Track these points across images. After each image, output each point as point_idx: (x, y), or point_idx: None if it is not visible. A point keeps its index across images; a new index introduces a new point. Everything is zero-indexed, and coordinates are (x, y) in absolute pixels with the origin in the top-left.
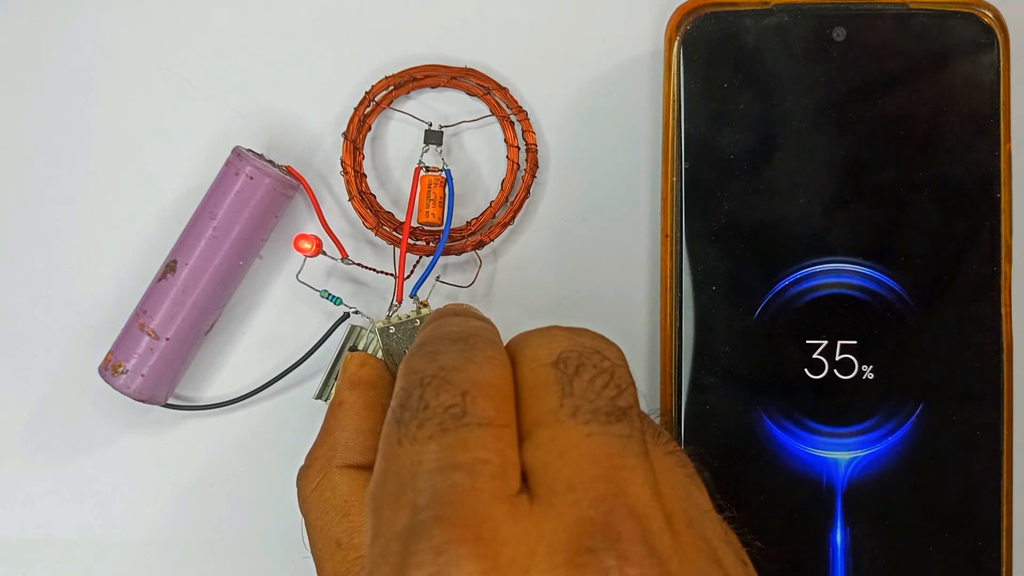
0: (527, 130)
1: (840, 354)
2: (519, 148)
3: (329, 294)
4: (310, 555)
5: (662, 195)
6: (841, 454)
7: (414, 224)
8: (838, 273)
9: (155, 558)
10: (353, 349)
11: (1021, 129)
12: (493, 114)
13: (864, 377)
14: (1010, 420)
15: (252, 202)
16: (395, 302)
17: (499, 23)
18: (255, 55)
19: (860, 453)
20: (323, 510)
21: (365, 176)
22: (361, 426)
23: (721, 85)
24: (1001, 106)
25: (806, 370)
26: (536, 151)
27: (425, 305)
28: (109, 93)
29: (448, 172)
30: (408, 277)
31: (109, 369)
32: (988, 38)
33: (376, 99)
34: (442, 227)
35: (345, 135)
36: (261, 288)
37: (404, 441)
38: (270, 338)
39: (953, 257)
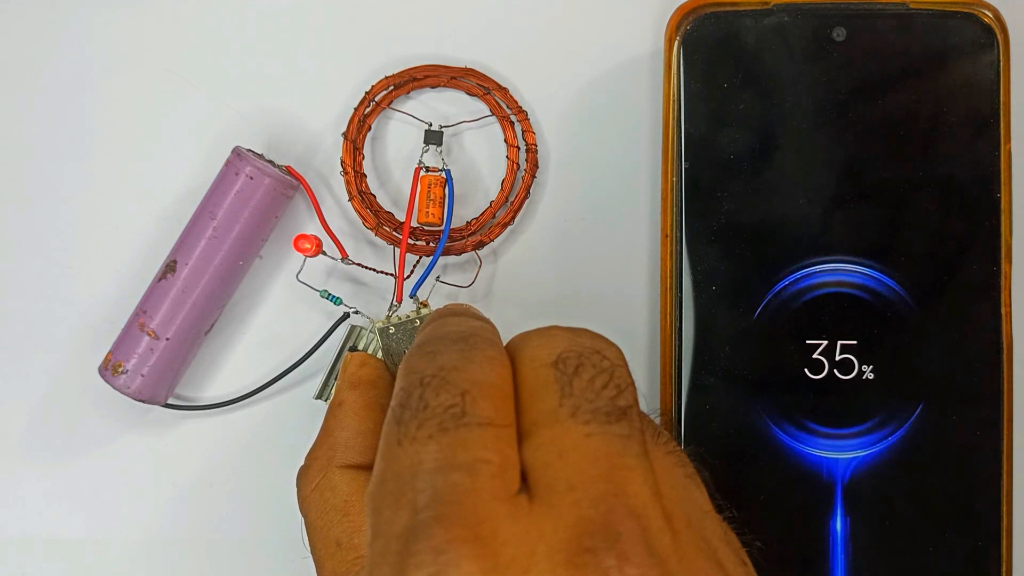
0: (527, 130)
1: (840, 354)
2: (519, 148)
3: (329, 294)
4: (310, 555)
5: (662, 195)
6: (841, 454)
7: (414, 224)
8: (838, 273)
9: (155, 558)
10: (353, 349)
11: (1021, 129)
12: (493, 114)
13: (864, 377)
14: (1010, 420)
15: (252, 202)
16: (395, 302)
17: (499, 23)
18: (255, 55)
19: (860, 453)
20: (323, 510)
21: (365, 176)
22: (361, 426)
23: (721, 85)
24: (1001, 106)
25: (806, 370)
26: (536, 151)
27: (425, 305)
28: (109, 93)
29: (448, 172)
30: (408, 277)
31: (109, 369)
32: (988, 38)
33: (376, 99)
34: (442, 227)
35: (345, 135)
36: (261, 288)
37: (404, 441)
38: (270, 338)
39: (953, 257)
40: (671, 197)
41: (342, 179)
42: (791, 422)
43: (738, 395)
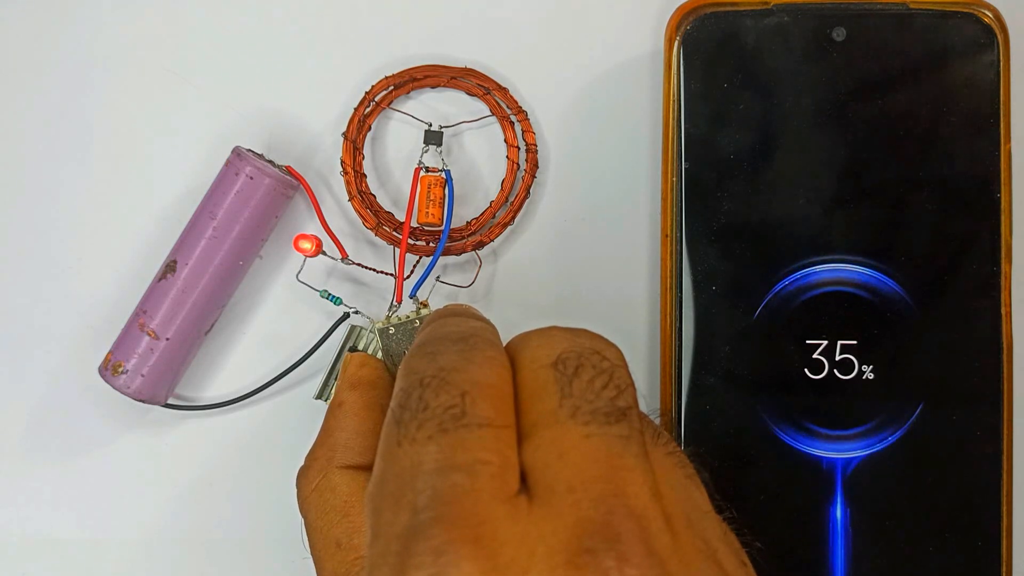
0: (527, 130)
1: (840, 354)
2: (519, 148)
3: (329, 294)
4: (310, 555)
5: (662, 195)
6: (841, 454)
7: (414, 224)
8: (838, 273)
9: (155, 558)
10: (353, 349)
11: (1021, 129)
12: (493, 114)
13: (864, 377)
14: (1010, 420)
15: (252, 202)
16: (395, 302)
17: (499, 23)
18: (255, 55)
19: (860, 453)
20: (323, 510)
21: (365, 176)
22: (361, 427)
23: (721, 85)
24: (1001, 106)
25: (806, 370)
26: (536, 151)
27: (425, 305)
28: (109, 93)
29: (448, 172)
30: (408, 277)
31: (109, 369)
32: (988, 38)
33: (376, 99)
34: (442, 227)
35: (345, 135)
36: (261, 288)
37: (404, 442)
38: (270, 338)
39: (953, 257)
40: (671, 197)
41: (342, 179)
42: (791, 422)
43: (738, 395)
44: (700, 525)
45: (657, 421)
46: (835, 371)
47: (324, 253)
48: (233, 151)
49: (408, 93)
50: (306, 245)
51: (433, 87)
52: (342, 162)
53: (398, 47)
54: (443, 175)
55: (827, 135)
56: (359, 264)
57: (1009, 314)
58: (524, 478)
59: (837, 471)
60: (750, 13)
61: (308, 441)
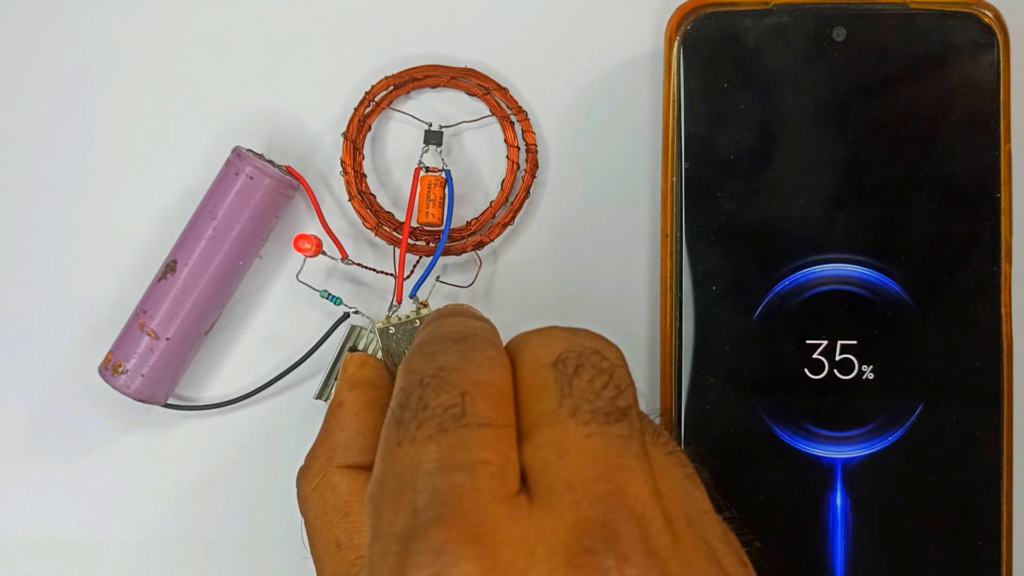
0: (527, 130)
1: (840, 354)
2: (519, 148)
3: (329, 294)
4: (310, 555)
5: (662, 195)
6: (841, 454)
7: (414, 224)
8: (838, 273)
9: (155, 558)
10: (353, 349)
11: (1021, 129)
12: (493, 114)
13: (864, 377)
14: (1010, 420)
15: (252, 202)
16: (395, 302)
17: (499, 23)
18: (255, 55)
19: (860, 453)
20: (323, 510)
21: (365, 176)
22: (361, 426)
23: (721, 85)
24: (1001, 106)
25: (806, 370)
26: (536, 151)
27: (425, 305)
28: (109, 93)
29: (448, 172)
30: (408, 277)
31: (109, 369)
32: (988, 38)
33: (376, 99)
34: (442, 227)
35: (345, 135)
36: (261, 288)
37: (404, 442)
38: (270, 338)
39: (953, 257)
40: (671, 197)
41: (342, 179)
42: (791, 422)
43: (738, 395)
44: (700, 525)
45: (657, 421)
46: (835, 371)
47: (324, 253)
48: (233, 151)
49: (408, 93)
50: (306, 245)
51: (433, 87)
52: (342, 162)
53: (398, 47)
54: (443, 175)
55: (827, 135)
56: (359, 264)
57: (1009, 314)
58: (524, 478)
59: (837, 471)
60: (750, 13)
61: (308, 441)
